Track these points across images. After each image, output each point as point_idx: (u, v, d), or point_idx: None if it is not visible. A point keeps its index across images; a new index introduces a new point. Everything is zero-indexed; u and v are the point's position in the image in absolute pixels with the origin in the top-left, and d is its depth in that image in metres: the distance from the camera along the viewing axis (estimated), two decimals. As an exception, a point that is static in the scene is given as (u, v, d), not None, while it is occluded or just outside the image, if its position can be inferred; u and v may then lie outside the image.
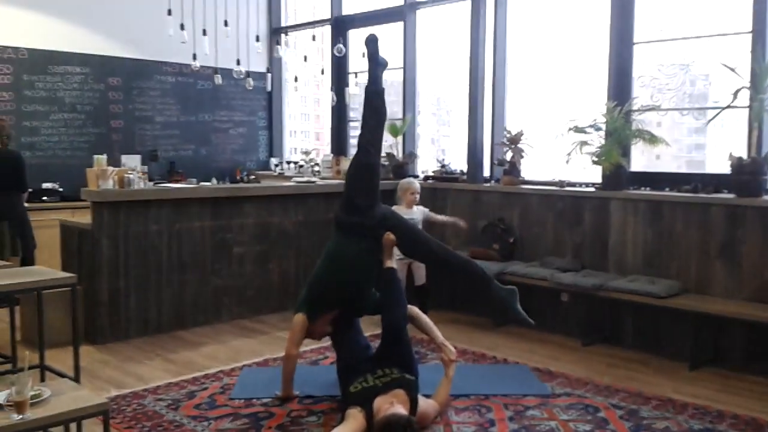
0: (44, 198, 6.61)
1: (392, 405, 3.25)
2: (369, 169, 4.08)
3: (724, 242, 4.72)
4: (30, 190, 6.36)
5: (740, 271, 4.65)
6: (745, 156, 4.66)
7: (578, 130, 5.36)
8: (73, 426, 3.07)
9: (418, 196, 5.67)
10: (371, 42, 4.19)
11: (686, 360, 4.62)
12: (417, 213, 5.65)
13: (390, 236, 3.95)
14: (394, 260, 4.04)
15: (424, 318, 4.04)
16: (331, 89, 7.60)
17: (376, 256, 3.97)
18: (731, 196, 4.72)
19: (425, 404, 3.52)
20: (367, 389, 3.44)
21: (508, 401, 3.89)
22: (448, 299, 6.17)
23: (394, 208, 5.60)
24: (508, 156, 6.07)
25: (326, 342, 4.32)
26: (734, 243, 4.67)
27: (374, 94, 4.16)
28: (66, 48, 7.02)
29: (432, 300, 5.91)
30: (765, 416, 3.72)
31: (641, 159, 5.69)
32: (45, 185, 6.74)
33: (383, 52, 4.26)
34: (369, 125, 4.12)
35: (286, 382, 3.88)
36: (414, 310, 4.02)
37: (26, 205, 6.03)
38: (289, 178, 7.63)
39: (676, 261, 4.95)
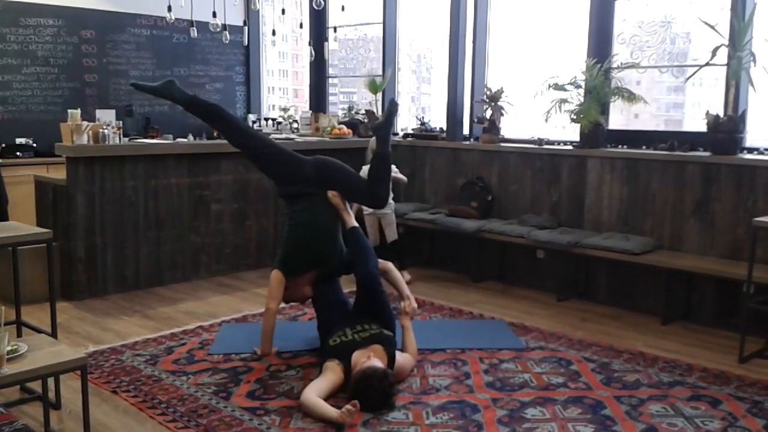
0: (18, 153, 6.49)
1: (369, 359, 3.29)
2: (257, 155, 4.15)
3: (698, 200, 4.78)
4: (3, 145, 6.26)
5: (713, 228, 4.72)
6: (722, 114, 4.69)
7: (558, 87, 5.36)
8: (50, 381, 3.09)
9: None
10: (137, 88, 4.25)
11: (658, 315, 4.72)
12: None
13: (333, 194, 3.99)
14: (353, 218, 4.07)
15: (396, 273, 4.08)
16: (310, 44, 7.49)
17: (330, 210, 4.01)
18: (707, 154, 4.77)
19: (402, 359, 3.57)
20: (346, 343, 3.48)
21: (483, 355, 3.96)
22: (426, 257, 6.21)
23: (364, 167, 5.59)
24: (488, 114, 6.06)
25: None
26: (708, 200, 4.73)
27: (190, 107, 4.24)
28: (38, -1, 6.84)
29: (411, 258, 5.95)
30: (733, 370, 3.82)
31: (620, 117, 5.71)
32: (18, 140, 6.62)
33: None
34: (218, 128, 4.18)
35: (265, 338, 3.90)
36: (387, 264, 4.06)
37: (-1, 160, 5.93)
38: (267, 135, 7.56)
39: (650, 218, 5.01)
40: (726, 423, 3.14)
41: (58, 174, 5.28)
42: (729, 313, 4.57)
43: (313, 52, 7.39)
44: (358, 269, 3.86)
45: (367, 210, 5.59)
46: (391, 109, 4.13)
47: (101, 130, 5.17)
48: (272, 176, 4.24)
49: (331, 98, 8.10)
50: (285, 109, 8.18)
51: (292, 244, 4.00)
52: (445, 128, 6.46)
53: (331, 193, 3.99)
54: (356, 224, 4.05)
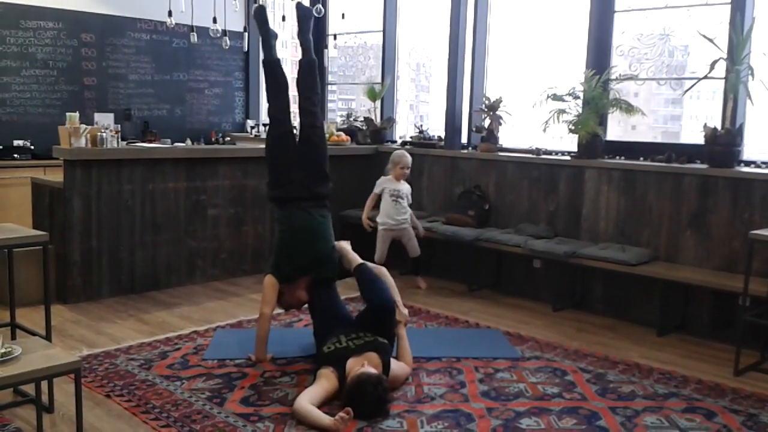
0: (15, 155, 6.49)
1: (363, 366, 3.28)
2: (279, 135, 4.24)
3: (695, 212, 4.78)
4: (0, 146, 6.26)
5: (709, 241, 4.72)
6: (719, 127, 4.71)
7: (556, 98, 5.37)
8: (44, 384, 3.07)
9: (408, 171, 5.63)
10: (258, 16, 4.34)
11: (654, 326, 4.71)
12: (405, 187, 5.64)
13: (341, 244, 4.11)
14: (356, 257, 4.03)
15: (390, 279, 4.04)
16: (309, 51, 7.50)
17: (321, 214, 4.06)
18: (704, 166, 4.78)
19: (397, 367, 3.56)
20: (341, 350, 3.47)
21: (478, 364, 3.95)
22: (424, 266, 6.19)
23: (382, 178, 5.62)
24: (486, 123, 6.07)
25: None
26: (705, 212, 4.74)
27: (271, 66, 4.29)
28: (38, 2, 6.83)
29: (407, 266, 5.95)
30: (728, 382, 3.81)
31: (617, 129, 5.73)
32: (16, 142, 6.62)
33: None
34: (277, 97, 4.30)
35: (259, 343, 3.89)
36: (381, 269, 4.04)
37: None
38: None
39: (647, 229, 5.01)
40: (721, 435, 3.14)
41: (55, 177, 5.27)
42: (725, 326, 4.57)
43: (313, 59, 7.39)
44: (374, 297, 3.79)
45: (384, 225, 5.58)
46: (299, 14, 4.25)
47: (99, 134, 5.17)
48: (270, 169, 4.21)
49: (329, 105, 8.12)
50: (283, 115, 8.17)
51: (284, 249, 4.00)
52: (443, 136, 6.47)
53: (340, 243, 4.12)
54: (361, 261, 4.00)
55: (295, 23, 4.36)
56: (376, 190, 5.64)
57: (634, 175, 5.07)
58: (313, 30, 7.51)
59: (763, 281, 4.20)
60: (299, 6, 4.32)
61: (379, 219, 5.61)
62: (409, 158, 5.64)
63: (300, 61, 4.28)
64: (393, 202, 5.56)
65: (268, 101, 4.29)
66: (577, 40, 5.58)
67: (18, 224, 3.90)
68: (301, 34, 4.27)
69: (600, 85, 5.23)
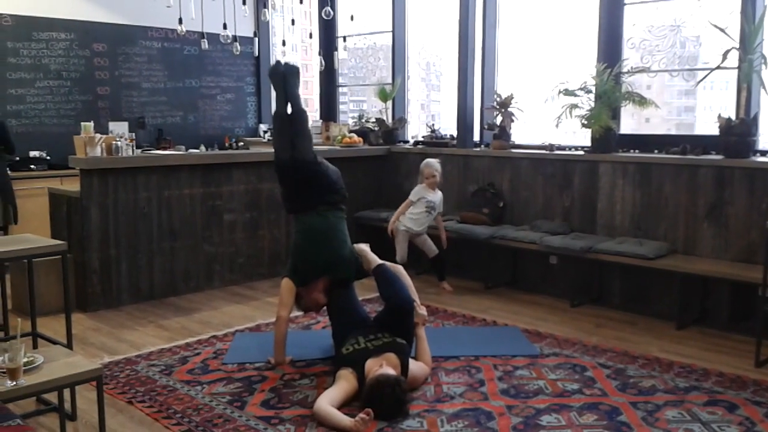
0: (32, 166, 6.56)
1: (382, 367, 3.29)
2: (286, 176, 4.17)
3: (711, 203, 4.75)
4: (17, 158, 6.32)
5: (727, 232, 4.69)
6: (733, 117, 4.67)
7: (568, 93, 5.35)
8: (66, 392, 3.10)
9: (436, 177, 5.54)
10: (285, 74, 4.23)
11: (673, 320, 4.68)
12: (438, 197, 5.60)
13: (361, 246, 4.11)
14: (375, 257, 4.04)
15: (407, 279, 4.04)
16: (319, 53, 7.53)
17: (336, 217, 4.05)
18: (719, 157, 4.74)
19: (416, 367, 3.57)
20: (359, 351, 3.48)
21: (497, 362, 3.94)
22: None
23: (418, 186, 5.59)
24: (498, 120, 6.06)
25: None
26: (722, 204, 4.70)
27: (295, 114, 4.16)
28: (50, 14, 6.90)
29: (423, 265, 5.96)
30: (749, 374, 3.78)
31: (631, 122, 5.70)
32: (32, 153, 6.69)
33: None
34: (289, 143, 4.12)
35: (278, 346, 3.91)
36: (398, 268, 4.05)
37: (11, 173, 5.98)
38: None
39: (664, 222, 4.98)
40: (743, 428, 3.11)
41: (72, 186, 5.33)
42: (744, 317, 4.53)
43: (323, 62, 7.43)
44: (393, 296, 3.79)
45: (406, 228, 5.56)
46: (287, 70, 4.17)
47: (114, 142, 5.22)
48: (281, 192, 4.29)
49: (341, 107, 8.13)
50: (296, 119, 8.19)
51: (300, 252, 4.01)
52: (455, 135, 6.46)
53: (359, 245, 4.11)
54: (381, 261, 4.00)
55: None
56: (413, 198, 5.55)
57: (649, 168, 5.04)
58: (323, 32, 7.60)
59: (782, 271, 4.16)
60: (286, 64, 4.24)
61: (403, 220, 5.58)
62: (435, 165, 5.57)
63: (290, 115, 4.13)
64: (426, 213, 5.54)
65: (274, 144, 4.26)
66: (587, 33, 5.55)
67: (36, 234, 3.95)
68: (290, 89, 4.13)
69: (612, 78, 5.20)
